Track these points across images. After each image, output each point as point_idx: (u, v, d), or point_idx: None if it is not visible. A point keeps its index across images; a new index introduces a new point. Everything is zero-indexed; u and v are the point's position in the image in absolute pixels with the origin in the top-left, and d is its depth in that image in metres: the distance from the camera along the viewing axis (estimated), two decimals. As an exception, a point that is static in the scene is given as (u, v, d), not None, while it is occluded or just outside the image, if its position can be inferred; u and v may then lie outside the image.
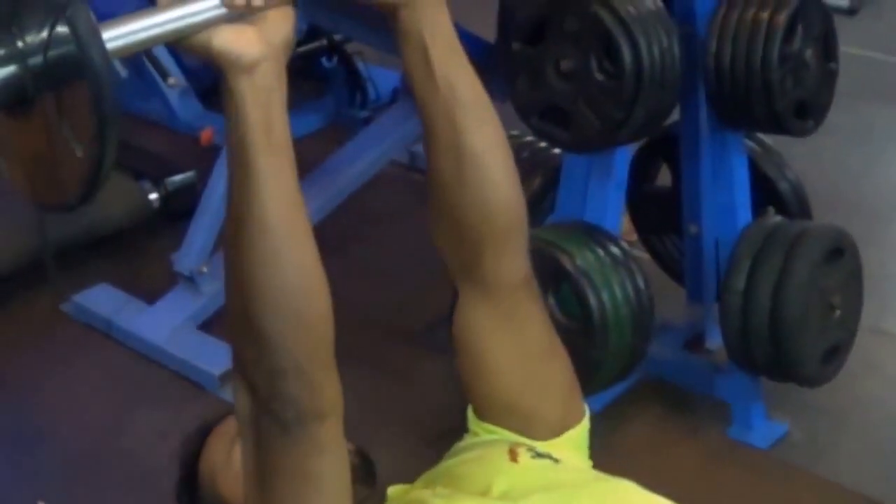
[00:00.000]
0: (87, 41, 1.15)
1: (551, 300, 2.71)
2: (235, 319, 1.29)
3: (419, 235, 1.67)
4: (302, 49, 4.67)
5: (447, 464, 1.62)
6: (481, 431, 1.61)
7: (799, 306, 2.69)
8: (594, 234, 2.78)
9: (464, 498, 1.51)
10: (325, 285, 1.31)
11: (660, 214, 3.27)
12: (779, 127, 2.71)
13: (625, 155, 2.83)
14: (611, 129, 2.58)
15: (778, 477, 2.93)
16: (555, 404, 1.61)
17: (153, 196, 4.07)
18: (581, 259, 2.68)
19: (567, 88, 2.60)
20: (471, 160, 1.46)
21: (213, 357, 3.42)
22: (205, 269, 3.55)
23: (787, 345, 2.72)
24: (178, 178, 4.09)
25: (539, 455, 1.55)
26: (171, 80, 4.57)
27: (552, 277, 2.70)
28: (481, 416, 1.61)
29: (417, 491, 1.59)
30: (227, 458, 1.73)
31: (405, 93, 4.16)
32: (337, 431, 1.33)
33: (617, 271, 2.72)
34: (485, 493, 1.50)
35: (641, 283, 2.75)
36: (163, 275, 3.67)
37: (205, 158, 3.86)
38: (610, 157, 2.78)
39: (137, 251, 3.98)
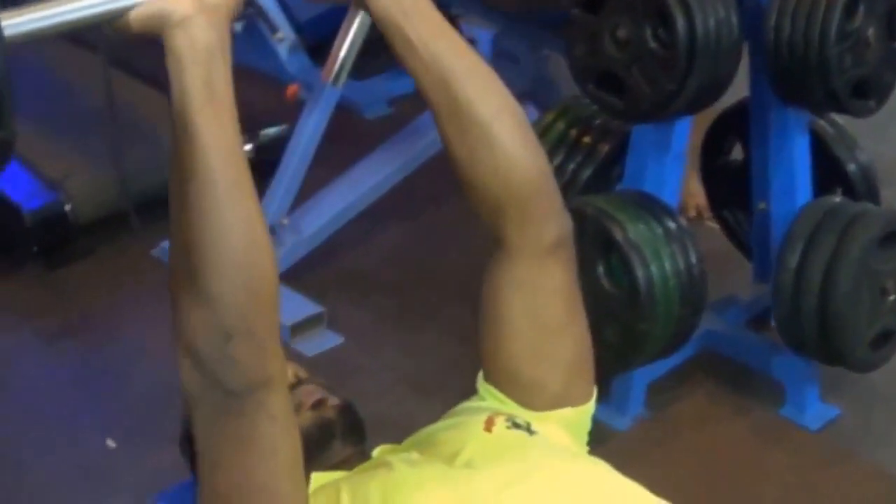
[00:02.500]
0: None
1: (600, 268, 2.72)
2: (182, 280, 1.27)
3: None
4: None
5: (433, 428, 1.62)
6: (486, 394, 1.61)
7: (849, 288, 2.65)
8: (649, 206, 2.77)
9: (429, 465, 1.51)
10: (270, 245, 1.30)
11: (731, 189, 3.24)
12: (837, 105, 2.66)
13: (684, 126, 2.80)
14: (664, 99, 2.57)
15: (826, 460, 2.91)
16: (556, 378, 1.59)
17: (247, 147, 4.15)
18: (632, 230, 2.68)
19: (622, 57, 2.59)
20: (476, 130, 1.47)
21: (287, 308, 3.50)
22: (285, 222, 3.63)
23: (835, 326, 2.68)
24: (271, 130, 4.17)
25: (516, 426, 1.54)
26: (280, 35, 4.63)
27: (602, 246, 2.71)
28: (487, 376, 1.61)
29: (391, 454, 1.60)
30: None
31: (497, 55, 4.18)
32: (286, 400, 1.32)
33: (668, 244, 2.71)
34: (451, 459, 1.50)
35: (694, 258, 2.73)
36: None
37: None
38: (669, 127, 2.77)
39: (228, 201, 4.07)
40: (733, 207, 3.29)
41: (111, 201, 3.78)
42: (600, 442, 2.93)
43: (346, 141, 4.03)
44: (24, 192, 3.73)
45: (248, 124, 4.29)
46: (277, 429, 1.30)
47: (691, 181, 3.66)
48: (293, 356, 3.39)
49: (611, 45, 2.61)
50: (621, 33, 2.58)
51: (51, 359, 3.51)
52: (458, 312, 3.44)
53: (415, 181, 3.84)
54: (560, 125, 3.22)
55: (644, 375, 3.02)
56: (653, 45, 2.53)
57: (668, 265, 2.68)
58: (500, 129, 1.48)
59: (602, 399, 2.99)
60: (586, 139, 3.19)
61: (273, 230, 3.63)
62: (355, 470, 1.57)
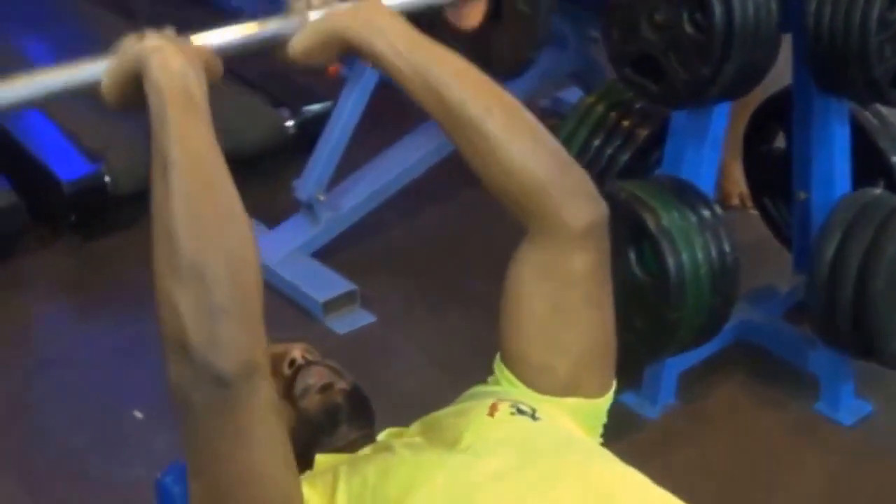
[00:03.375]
0: None
1: (631, 255, 2.69)
2: (164, 268, 1.28)
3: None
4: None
5: (440, 412, 1.61)
6: (500, 375, 1.60)
7: (885, 282, 2.59)
8: (684, 193, 2.73)
9: (429, 449, 1.50)
10: (250, 231, 1.32)
11: (773, 177, 3.18)
12: (877, 95, 2.60)
13: (722, 113, 2.75)
14: (699, 85, 2.52)
15: (858, 456, 2.85)
16: (566, 366, 1.56)
17: (289, 123, 4.16)
18: (665, 217, 2.64)
19: (659, 41, 2.55)
20: (472, 131, 1.46)
21: (321, 285, 3.51)
22: (322, 198, 3.62)
23: (870, 321, 2.63)
24: (315, 106, 4.16)
25: (520, 411, 1.52)
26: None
27: (634, 233, 2.67)
28: (502, 357, 1.60)
29: (394, 438, 1.59)
30: None
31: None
32: (271, 388, 1.30)
33: (701, 232, 2.66)
34: (453, 445, 1.48)
35: (727, 246, 2.68)
36: (287, 201, 3.75)
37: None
38: (706, 114, 2.72)
39: (268, 176, 4.07)
40: (774, 196, 3.24)
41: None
42: (629, 430, 2.95)
43: (390, 120, 4.00)
44: (65, 163, 3.75)
45: (292, 100, 4.34)
46: (272, 416, 1.30)
47: (734, 169, 3.62)
48: (324, 334, 3.40)
49: (648, 29, 2.56)
50: (659, 17, 2.54)
51: (85, 329, 3.53)
52: (492, 294, 3.40)
53: (455, 161, 3.79)
54: (600, 108, 3.19)
55: (675, 364, 2.99)
56: (689, 29, 2.48)
57: (700, 253, 2.64)
58: (494, 126, 1.46)
59: (633, 387, 3.02)
60: (626, 123, 3.15)
61: (310, 206, 3.63)
62: (358, 453, 1.56)
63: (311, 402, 1.61)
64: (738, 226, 3.47)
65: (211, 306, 1.24)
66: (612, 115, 3.16)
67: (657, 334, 2.71)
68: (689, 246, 2.64)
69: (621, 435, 2.90)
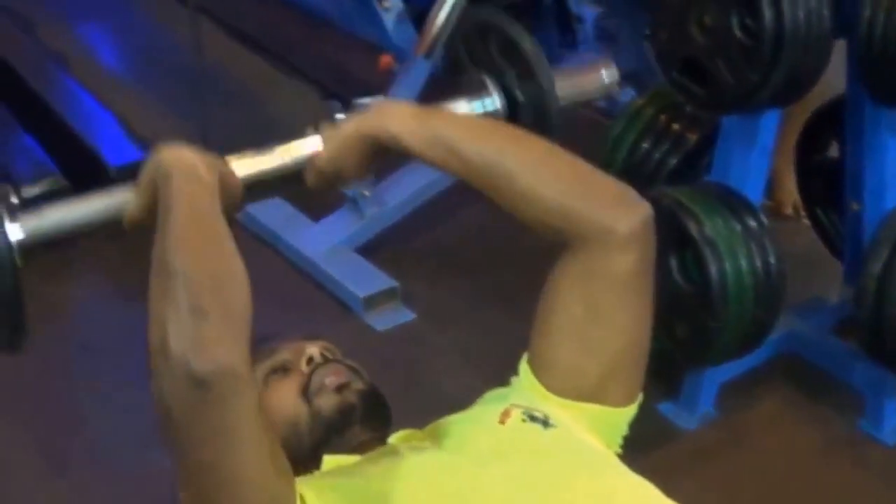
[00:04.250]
0: None
1: (673, 262, 2.63)
2: (160, 289, 1.32)
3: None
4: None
5: (453, 417, 1.60)
6: (523, 376, 1.58)
7: (933, 300, 2.52)
8: (730, 200, 2.67)
9: (436, 454, 1.49)
10: (242, 265, 1.35)
11: (826, 187, 3.11)
12: (930, 106, 2.53)
13: (772, 120, 2.68)
14: (747, 91, 2.46)
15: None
16: (593, 370, 1.54)
17: (340, 116, 4.12)
18: (709, 225, 2.58)
19: (707, 44, 2.49)
20: (496, 174, 1.49)
21: (362, 280, 3.49)
22: (367, 193, 3.59)
23: (916, 339, 2.56)
24: (366, 100, 4.11)
25: (532, 419, 1.50)
26: (386, 3, 4.60)
27: (677, 240, 2.61)
28: (529, 357, 1.58)
29: (404, 441, 1.58)
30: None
31: (599, 36, 4.09)
32: (254, 394, 1.30)
33: (746, 241, 2.60)
34: (461, 451, 1.48)
35: (772, 257, 2.62)
36: (333, 195, 3.72)
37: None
38: (755, 120, 2.66)
39: (319, 168, 4.05)
40: (827, 207, 3.16)
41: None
42: (664, 440, 2.89)
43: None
44: (113, 148, 3.75)
45: (344, 92, 4.32)
46: (255, 421, 1.29)
47: (788, 177, 3.54)
48: (363, 329, 3.38)
49: (696, 32, 2.50)
50: (707, 20, 2.48)
51: (126, 317, 3.51)
52: (534, 296, 3.36)
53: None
54: (650, 110, 3.13)
55: (716, 375, 2.93)
56: (738, 33, 2.42)
57: (743, 263, 2.58)
58: (513, 164, 1.49)
59: (671, 396, 2.96)
60: (675, 126, 3.09)
61: (355, 201, 3.60)
62: (365, 456, 1.54)
63: (326, 401, 1.60)
64: (790, 236, 3.41)
65: (192, 310, 1.26)
66: (662, 118, 3.10)
67: (697, 343, 2.66)
68: (732, 254, 2.58)
69: (656, 445, 2.87)
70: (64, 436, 2.96)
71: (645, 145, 3.10)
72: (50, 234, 1.45)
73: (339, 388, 1.61)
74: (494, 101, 1.67)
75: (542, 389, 1.55)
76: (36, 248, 1.44)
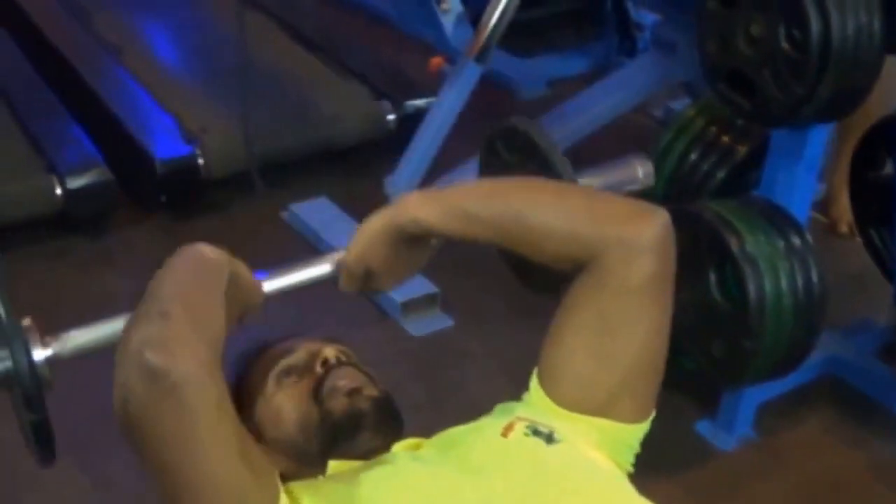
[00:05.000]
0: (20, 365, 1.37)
1: (712, 277, 2.57)
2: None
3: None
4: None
5: (459, 427, 1.58)
6: (533, 390, 1.57)
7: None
8: (774, 217, 2.59)
9: (435, 465, 1.48)
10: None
11: (880, 206, 3.03)
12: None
13: (820, 136, 2.60)
14: (793, 104, 2.38)
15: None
16: (607, 382, 1.52)
17: (391, 117, 4.10)
18: (750, 241, 2.51)
19: (754, 56, 2.42)
20: (519, 227, 1.51)
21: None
22: (412, 196, 3.54)
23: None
24: (418, 101, 4.10)
25: (536, 433, 1.48)
26: (445, 5, 4.56)
27: (716, 255, 2.55)
28: (539, 370, 1.58)
29: (406, 450, 1.56)
30: (262, 386, 1.72)
31: (655, 43, 4.02)
32: (220, 395, 1.28)
33: (788, 259, 2.53)
34: (460, 462, 1.46)
35: (815, 276, 2.54)
36: (379, 195, 3.69)
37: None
38: (802, 135, 2.58)
39: (364, 169, 4.03)
40: (880, 226, 3.08)
41: (246, 159, 3.76)
42: (700, 460, 2.83)
43: (497, 118, 3.92)
44: (161, 142, 3.75)
45: (396, 93, 4.28)
46: (220, 422, 1.28)
47: (843, 195, 3.45)
48: (399, 334, 3.34)
49: (743, 43, 2.43)
50: (755, 31, 2.41)
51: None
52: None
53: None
54: (700, 121, 3.07)
55: (755, 395, 2.86)
56: (785, 45, 2.35)
57: (784, 281, 2.50)
58: (519, 205, 1.51)
59: (708, 414, 2.89)
60: (725, 138, 3.03)
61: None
62: (366, 462, 1.53)
63: (337, 404, 1.59)
64: (842, 255, 3.33)
65: (160, 313, 1.28)
66: (712, 129, 3.04)
67: (733, 362, 2.59)
68: (773, 272, 2.50)
69: (692, 465, 2.81)
70: (93, 431, 2.94)
71: (693, 156, 3.04)
72: (78, 354, 1.47)
73: (351, 393, 1.60)
74: None
75: (551, 403, 1.53)
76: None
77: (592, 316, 1.50)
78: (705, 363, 2.63)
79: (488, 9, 3.57)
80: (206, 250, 1.42)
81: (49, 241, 3.67)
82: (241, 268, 1.47)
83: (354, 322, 3.37)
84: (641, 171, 1.79)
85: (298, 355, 1.66)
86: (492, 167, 1.78)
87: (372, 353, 3.40)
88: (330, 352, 1.65)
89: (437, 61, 3.91)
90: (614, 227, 1.48)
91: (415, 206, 1.50)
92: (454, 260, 3.60)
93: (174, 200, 3.76)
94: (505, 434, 1.48)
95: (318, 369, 1.63)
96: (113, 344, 1.38)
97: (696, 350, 2.65)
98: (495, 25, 3.52)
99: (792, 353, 2.61)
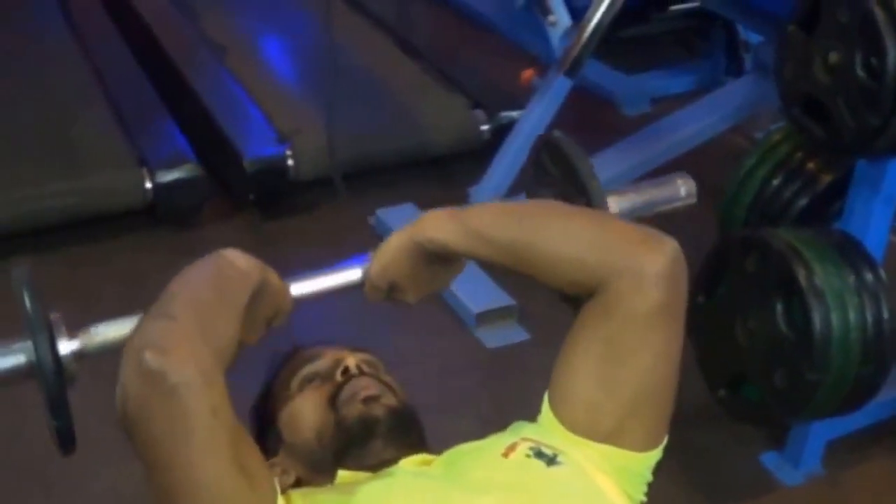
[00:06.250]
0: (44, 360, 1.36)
1: (779, 307, 2.51)
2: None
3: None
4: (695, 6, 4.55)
5: (465, 445, 1.57)
6: (545, 412, 1.55)
7: None
8: (847, 250, 2.52)
9: (432, 480, 1.48)
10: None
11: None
12: None
13: (898, 168, 2.54)
14: (867, 135, 2.32)
15: None
16: (613, 409, 1.49)
17: (484, 127, 4.10)
18: (819, 273, 2.45)
19: (829, 82, 2.36)
20: (531, 253, 1.49)
21: (480, 295, 3.44)
22: (496, 207, 3.53)
23: None
24: (513, 113, 4.08)
25: (539, 455, 1.47)
26: (552, 18, 4.54)
27: (783, 285, 2.49)
28: (550, 394, 1.56)
29: (412, 465, 1.55)
30: (287, 388, 1.72)
31: (755, 64, 3.96)
32: (218, 400, 1.28)
33: (858, 294, 2.46)
34: (458, 479, 1.46)
35: (886, 313, 2.47)
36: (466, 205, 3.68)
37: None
38: (880, 167, 2.51)
39: (454, 178, 4.02)
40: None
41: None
42: (763, 492, 2.77)
43: (598, 133, 3.91)
44: (253, 141, 3.80)
45: (490, 104, 4.26)
46: (214, 427, 1.27)
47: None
48: (473, 345, 3.33)
49: (820, 70, 2.38)
50: (832, 58, 2.35)
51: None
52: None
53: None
54: (785, 147, 2.99)
55: (824, 430, 2.78)
56: (861, 74, 2.29)
57: (852, 316, 2.44)
58: (553, 242, 1.49)
59: (774, 447, 2.83)
60: (810, 165, 2.95)
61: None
62: (371, 474, 1.52)
63: (351, 411, 1.59)
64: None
65: (167, 315, 1.29)
66: (797, 155, 2.96)
67: (794, 394, 2.52)
68: (840, 306, 2.44)
69: (755, 496, 2.75)
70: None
71: (776, 182, 2.97)
72: (105, 348, 1.45)
73: (367, 400, 1.61)
74: None
75: (561, 427, 1.51)
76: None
77: (600, 342, 1.48)
78: (767, 393, 2.58)
79: (581, 24, 3.55)
80: (236, 258, 1.41)
81: (136, 233, 3.74)
82: (271, 275, 1.47)
83: (432, 330, 3.38)
84: (684, 189, 1.75)
85: (322, 362, 1.68)
86: (539, 178, 1.76)
87: (444, 363, 3.43)
88: (351, 360, 1.67)
89: (528, 74, 3.89)
90: (622, 257, 1.46)
91: (432, 224, 1.50)
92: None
93: (262, 199, 3.80)
94: (506, 454, 1.48)
95: (338, 377, 1.63)
96: None
97: (759, 379, 2.59)
98: (587, 41, 3.50)
99: (859, 390, 2.54)
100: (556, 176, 1.73)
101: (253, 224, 3.81)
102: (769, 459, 2.85)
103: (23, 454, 2.89)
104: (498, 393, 3.12)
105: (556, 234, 1.49)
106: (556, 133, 1.77)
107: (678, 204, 1.78)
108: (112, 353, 1.42)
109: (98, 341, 1.45)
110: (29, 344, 1.37)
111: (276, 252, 3.71)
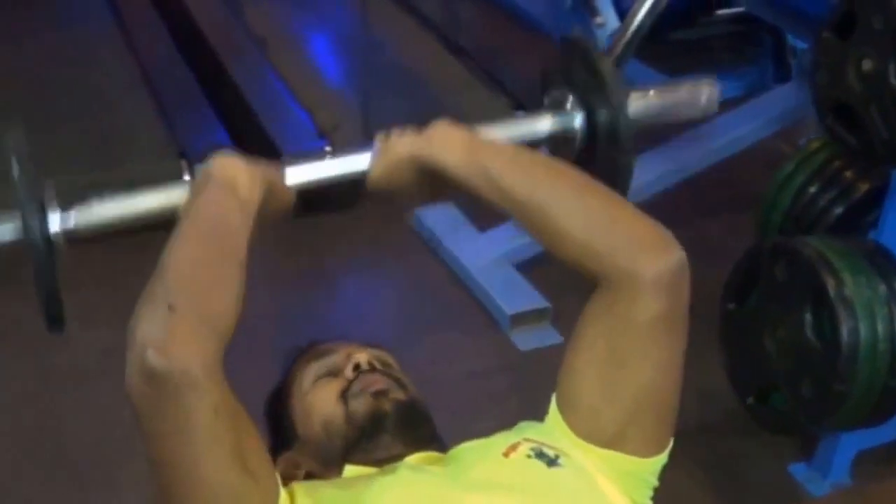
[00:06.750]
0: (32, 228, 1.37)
1: (807, 316, 2.50)
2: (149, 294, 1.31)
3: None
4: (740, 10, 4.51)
5: (469, 443, 1.56)
6: (552, 413, 1.54)
7: None
8: (879, 260, 2.50)
9: (432, 477, 1.47)
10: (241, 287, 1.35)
11: None
12: None
13: (933, 178, 2.50)
14: (899, 143, 2.30)
15: None
16: (615, 415, 1.48)
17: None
18: (849, 284, 2.43)
19: (863, 90, 2.34)
20: (540, 218, 1.47)
21: (514, 297, 3.44)
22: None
23: None
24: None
25: (539, 455, 1.46)
26: (600, 20, 4.52)
27: (813, 294, 2.48)
28: (557, 395, 1.54)
29: (416, 461, 1.54)
30: (300, 383, 1.73)
31: (800, 70, 3.92)
32: (221, 397, 1.27)
33: (888, 305, 2.44)
34: (458, 477, 1.45)
35: (915, 324, 2.44)
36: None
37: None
38: (913, 177, 2.48)
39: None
40: None
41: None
42: (790, 503, 2.73)
43: (640, 136, 3.87)
44: (289, 135, 3.80)
45: (531, 105, 4.23)
46: (218, 423, 1.27)
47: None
48: (505, 346, 3.32)
49: (854, 77, 2.36)
50: (866, 65, 2.33)
51: (285, 296, 3.54)
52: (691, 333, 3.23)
53: (686, 192, 3.67)
54: (822, 155, 2.97)
55: (854, 441, 2.75)
56: (894, 81, 2.26)
57: (880, 327, 2.42)
58: (544, 196, 1.47)
59: (803, 457, 2.80)
60: (848, 174, 2.93)
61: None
62: (376, 469, 1.52)
63: (361, 405, 1.59)
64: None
65: (166, 306, 1.26)
66: (835, 163, 2.94)
67: (821, 404, 2.51)
68: (869, 317, 2.42)
69: (778, 505, 2.73)
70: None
71: (812, 189, 2.95)
72: (100, 226, 1.46)
73: (376, 394, 1.60)
74: (574, 119, 1.64)
75: (567, 429, 1.50)
76: (86, 238, 1.45)
77: (603, 348, 1.46)
78: (794, 403, 2.56)
79: (622, 25, 3.53)
80: (238, 182, 1.44)
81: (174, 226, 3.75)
82: (274, 175, 1.50)
83: (466, 330, 3.38)
84: (705, 96, 1.69)
85: (335, 358, 1.67)
86: (565, 77, 1.69)
87: (476, 363, 3.41)
88: (363, 357, 1.66)
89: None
90: (625, 258, 1.43)
91: (448, 152, 1.48)
92: (571, 276, 3.58)
93: (300, 194, 3.80)
94: (507, 454, 1.47)
95: (349, 374, 1.63)
96: (135, 222, 1.48)
97: (787, 389, 2.57)
98: (629, 41, 3.48)
99: (886, 402, 2.52)
100: (579, 78, 1.69)
101: (296, 218, 3.81)
102: (797, 470, 2.82)
103: (54, 447, 2.92)
104: (527, 396, 3.07)
105: (568, 208, 1.46)
106: (579, 35, 1.74)
107: (697, 113, 1.73)
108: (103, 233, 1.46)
109: (93, 218, 1.46)
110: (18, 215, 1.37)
111: (316, 246, 3.73)
